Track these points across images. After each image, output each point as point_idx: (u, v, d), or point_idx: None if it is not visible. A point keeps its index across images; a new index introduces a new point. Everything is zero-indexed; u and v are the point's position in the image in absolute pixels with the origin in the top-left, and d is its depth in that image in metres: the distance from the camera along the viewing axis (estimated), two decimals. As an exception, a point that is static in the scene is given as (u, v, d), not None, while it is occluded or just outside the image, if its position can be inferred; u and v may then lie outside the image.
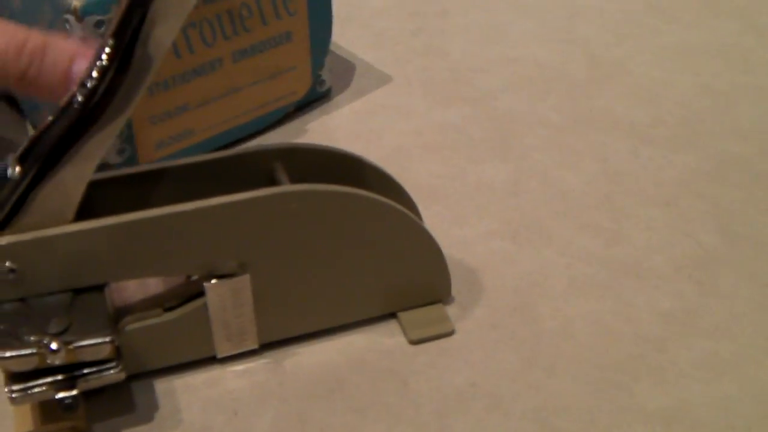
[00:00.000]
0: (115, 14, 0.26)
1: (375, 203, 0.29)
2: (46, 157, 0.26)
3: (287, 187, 0.28)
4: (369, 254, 0.30)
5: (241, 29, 0.37)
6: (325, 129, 0.41)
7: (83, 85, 0.26)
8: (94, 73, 0.26)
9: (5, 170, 0.27)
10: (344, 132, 0.41)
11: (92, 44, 0.29)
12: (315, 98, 0.43)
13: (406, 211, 0.30)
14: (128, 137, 0.36)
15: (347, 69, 0.44)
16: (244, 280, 0.28)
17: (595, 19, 0.48)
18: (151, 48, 0.25)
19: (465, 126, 0.41)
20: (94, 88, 0.26)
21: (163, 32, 0.25)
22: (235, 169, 0.30)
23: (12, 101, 0.42)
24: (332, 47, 0.41)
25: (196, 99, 0.37)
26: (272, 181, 0.30)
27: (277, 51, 0.39)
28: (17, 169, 0.26)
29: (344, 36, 0.46)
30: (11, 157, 0.27)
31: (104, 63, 0.26)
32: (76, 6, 0.33)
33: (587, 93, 0.43)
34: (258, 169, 0.31)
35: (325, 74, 0.42)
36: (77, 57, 0.29)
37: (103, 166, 0.29)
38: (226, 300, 0.28)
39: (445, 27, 0.48)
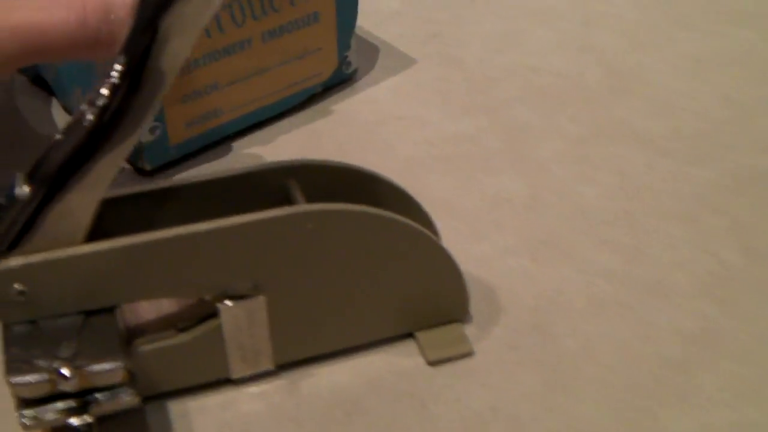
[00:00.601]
0: (127, 30, 0.25)
1: (392, 222, 0.28)
2: (55, 176, 0.26)
3: (303, 207, 0.27)
4: (386, 273, 0.29)
5: (270, 10, 0.38)
6: (336, 140, 0.40)
7: (93, 103, 0.25)
8: (105, 91, 0.25)
9: (13, 189, 0.26)
10: (357, 143, 0.40)
11: None
12: (341, 80, 0.43)
13: (424, 230, 0.29)
14: (159, 116, 0.37)
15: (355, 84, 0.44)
16: (259, 301, 0.28)
17: (611, 27, 0.48)
18: (163, 64, 0.25)
19: (480, 136, 0.40)
20: (105, 107, 0.25)
21: (176, 48, 0.25)
22: (248, 187, 0.30)
23: (41, 82, 0.41)
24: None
25: (225, 78, 0.38)
26: (286, 198, 0.30)
27: (304, 32, 0.40)
28: (26, 188, 0.26)
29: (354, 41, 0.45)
30: (19, 176, 0.26)
31: (115, 81, 0.25)
32: None
33: (604, 103, 0.43)
34: (271, 186, 0.30)
35: (352, 56, 0.43)
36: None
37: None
38: (241, 321, 0.28)
39: (459, 34, 0.47)
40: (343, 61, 0.42)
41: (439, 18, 0.48)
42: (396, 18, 0.48)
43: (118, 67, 0.25)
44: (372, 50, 0.46)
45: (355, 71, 0.44)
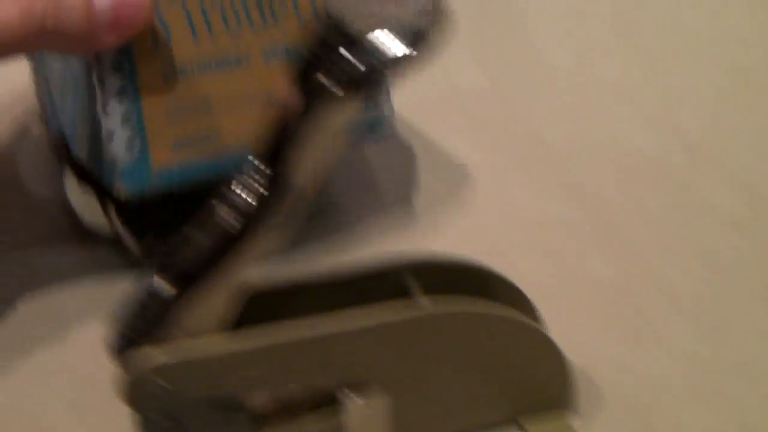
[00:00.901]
0: (265, 139, 0.26)
1: (514, 321, 0.29)
2: (193, 274, 0.27)
3: (441, 308, 0.29)
4: (496, 362, 0.30)
5: (270, 18, 0.34)
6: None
7: (231, 205, 0.26)
8: (244, 195, 0.26)
9: (153, 285, 0.28)
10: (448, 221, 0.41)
11: None
12: (379, 134, 0.37)
13: (537, 325, 0.30)
14: (138, 127, 0.32)
15: (440, 155, 0.45)
16: (382, 397, 0.29)
17: (691, 104, 0.49)
18: (300, 172, 0.26)
19: (568, 217, 0.41)
20: (244, 211, 0.26)
21: (314, 156, 0.26)
22: (365, 281, 0.31)
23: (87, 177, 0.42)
24: (422, 129, 0.41)
25: (220, 97, 0.33)
26: (403, 292, 0.31)
27: None
28: (165, 284, 0.27)
29: (435, 120, 0.46)
30: (159, 272, 0.27)
31: (255, 186, 0.26)
32: None
33: (687, 182, 0.43)
34: (389, 280, 0.31)
35: (387, 107, 0.36)
36: None
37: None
38: (364, 416, 0.29)
39: (540, 109, 0.48)
40: (375, 105, 0.36)
41: (521, 95, 0.49)
42: (480, 95, 0.49)
43: (257, 175, 0.26)
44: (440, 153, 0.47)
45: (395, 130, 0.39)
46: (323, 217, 0.40)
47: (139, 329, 0.27)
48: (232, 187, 0.27)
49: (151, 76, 0.32)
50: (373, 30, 0.24)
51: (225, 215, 0.27)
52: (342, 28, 0.25)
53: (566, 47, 0.52)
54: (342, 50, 0.24)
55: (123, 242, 0.37)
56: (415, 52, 0.24)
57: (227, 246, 0.27)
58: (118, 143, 0.32)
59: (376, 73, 0.23)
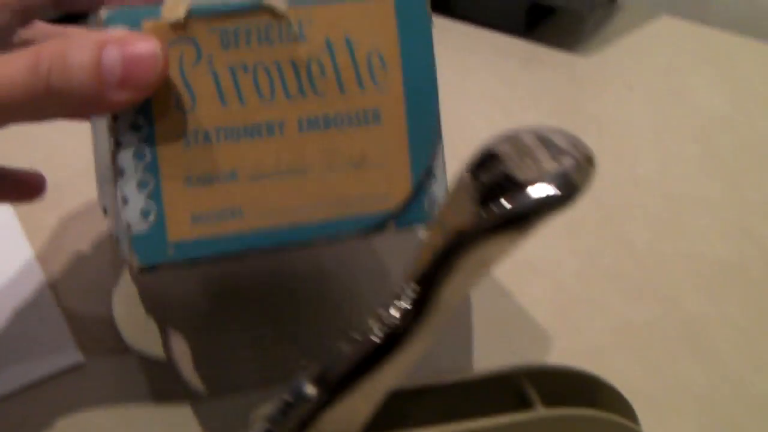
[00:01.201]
0: (418, 257, 0.29)
1: (620, 427, 0.32)
2: (339, 382, 0.30)
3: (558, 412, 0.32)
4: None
5: (309, 90, 0.31)
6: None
7: (382, 321, 0.30)
8: (395, 313, 0.30)
9: (302, 388, 0.31)
10: (545, 324, 0.44)
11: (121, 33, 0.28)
12: (427, 222, 0.34)
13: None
14: (154, 195, 0.30)
15: (538, 260, 0.48)
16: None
17: (768, 216, 0.52)
18: (450, 295, 0.29)
19: (657, 323, 0.45)
20: (393, 328, 0.30)
21: (465, 281, 0.29)
22: (485, 385, 0.34)
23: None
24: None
25: (248, 168, 0.31)
26: (520, 396, 0.34)
27: (360, 132, 0.32)
28: (312, 389, 0.31)
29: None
30: (305, 376, 0.31)
31: (405, 305, 0.30)
32: (102, 15, 0.30)
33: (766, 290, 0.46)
34: (507, 385, 0.34)
35: (439, 191, 0.34)
36: (106, 44, 0.28)
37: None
38: None
39: (629, 218, 0.51)
40: (422, 190, 0.33)
41: (612, 203, 0.53)
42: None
43: (409, 293, 0.30)
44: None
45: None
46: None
47: (283, 428, 0.31)
48: (385, 304, 0.30)
49: (171, 139, 0.30)
50: (532, 178, 0.27)
51: (374, 329, 0.30)
52: (505, 173, 0.28)
53: (652, 160, 0.56)
54: (503, 196, 0.27)
55: (178, 370, 0.39)
56: (567, 199, 0.27)
57: (373, 358, 0.30)
58: (133, 209, 0.30)
59: (532, 215, 0.27)
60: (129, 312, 0.42)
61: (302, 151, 0.32)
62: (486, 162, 0.29)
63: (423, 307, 0.29)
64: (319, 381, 0.31)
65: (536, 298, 0.46)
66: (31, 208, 0.48)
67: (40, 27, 0.38)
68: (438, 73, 0.34)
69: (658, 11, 0.72)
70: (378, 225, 0.33)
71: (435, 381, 0.34)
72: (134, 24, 0.30)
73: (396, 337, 0.30)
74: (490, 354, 0.42)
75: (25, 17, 0.35)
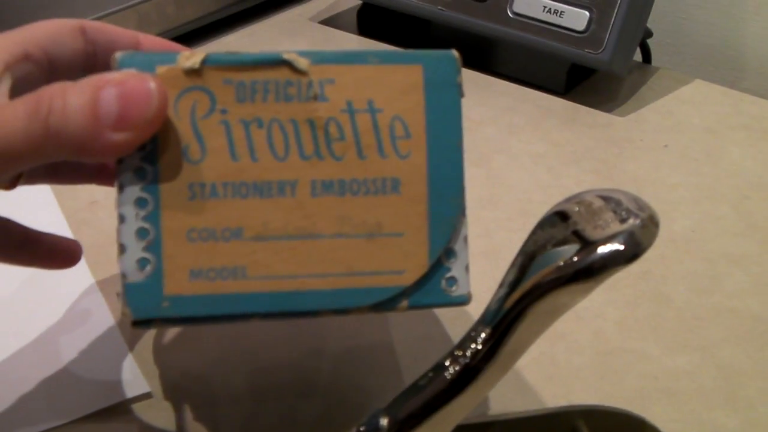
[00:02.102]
0: (494, 302, 0.32)
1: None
2: (412, 415, 0.33)
3: None
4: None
5: (326, 152, 0.30)
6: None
7: (456, 360, 0.33)
8: (468, 353, 0.33)
9: (377, 420, 0.34)
10: (590, 371, 0.47)
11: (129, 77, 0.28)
12: (446, 302, 0.32)
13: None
14: (154, 244, 0.29)
15: (581, 311, 0.51)
16: None
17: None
18: (518, 341, 0.32)
19: (695, 373, 0.47)
20: (466, 367, 0.33)
21: (535, 328, 0.32)
22: (541, 425, 0.37)
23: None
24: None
25: (254, 227, 0.29)
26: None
27: (376, 200, 0.31)
28: (386, 422, 0.33)
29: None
30: (381, 410, 0.34)
31: (479, 347, 0.33)
32: (117, 57, 0.29)
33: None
34: (560, 425, 0.37)
35: (458, 271, 0.32)
36: (105, 85, 0.28)
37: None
38: None
39: (666, 273, 0.54)
40: (439, 268, 0.32)
41: (645, 256, 0.56)
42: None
43: (483, 335, 0.33)
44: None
45: (466, 299, 0.33)
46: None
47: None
48: (461, 344, 0.33)
49: (176, 190, 0.29)
50: (601, 236, 0.30)
51: (448, 368, 0.33)
52: (576, 231, 0.31)
53: (688, 218, 0.59)
54: (575, 255, 0.30)
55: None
56: (633, 256, 0.30)
57: (446, 394, 0.33)
58: (129, 259, 0.29)
59: (601, 270, 0.30)
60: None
61: (314, 215, 0.30)
62: (557, 220, 0.32)
63: (494, 350, 0.32)
64: (393, 414, 0.33)
65: (580, 345, 0.49)
66: (94, 241, 0.51)
67: None
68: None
69: (691, 75, 0.75)
70: (390, 301, 0.31)
71: (494, 417, 0.37)
72: (148, 68, 0.29)
73: (467, 375, 0.33)
74: (535, 395, 0.45)
75: (51, 73, 0.34)
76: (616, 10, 0.66)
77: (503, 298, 0.32)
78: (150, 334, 0.48)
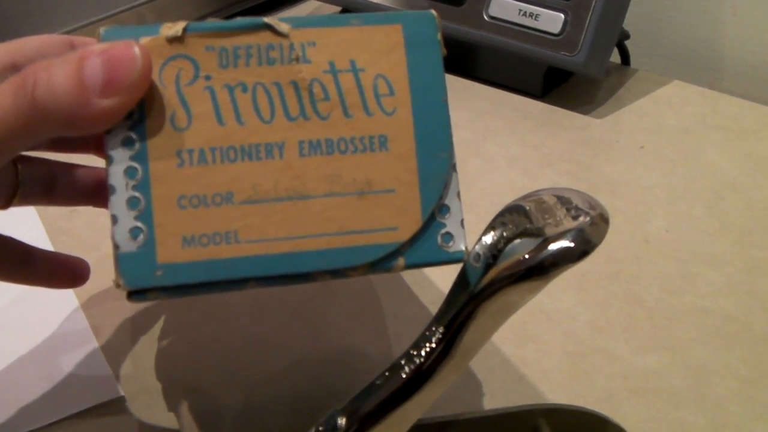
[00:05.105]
0: (446, 302, 0.32)
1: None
2: (369, 414, 0.33)
3: None
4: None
5: (311, 112, 0.30)
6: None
7: (410, 359, 0.33)
8: (423, 353, 0.33)
9: (334, 419, 0.34)
10: (559, 372, 0.47)
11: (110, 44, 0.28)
12: (444, 260, 0.32)
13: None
14: (146, 213, 0.29)
15: (552, 311, 0.51)
16: None
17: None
18: (472, 339, 0.32)
19: (664, 373, 0.47)
20: (420, 367, 0.33)
21: (486, 327, 0.32)
22: (502, 424, 0.37)
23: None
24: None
25: (244, 191, 0.30)
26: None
27: (365, 158, 0.31)
28: (343, 420, 0.33)
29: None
30: (338, 409, 0.34)
31: (432, 346, 0.33)
32: (101, 31, 0.29)
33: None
34: (521, 424, 0.37)
35: (452, 225, 0.32)
36: (89, 55, 0.28)
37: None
38: None
39: (639, 273, 0.54)
40: (434, 225, 0.31)
41: (618, 256, 0.56)
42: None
43: (437, 335, 0.33)
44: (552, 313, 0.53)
45: (463, 255, 0.32)
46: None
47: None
48: (415, 344, 0.33)
49: (165, 158, 0.29)
50: (551, 234, 0.30)
51: (403, 367, 0.33)
52: (527, 228, 0.31)
53: (662, 218, 0.59)
54: (526, 253, 0.30)
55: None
56: (582, 253, 0.30)
57: (401, 393, 0.33)
58: (121, 229, 0.29)
59: (551, 267, 0.30)
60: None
61: (303, 175, 0.30)
62: (510, 218, 0.32)
63: (448, 349, 0.32)
64: (350, 413, 0.33)
65: (550, 346, 0.49)
66: (72, 249, 0.51)
67: None
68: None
69: (669, 76, 0.75)
70: (386, 259, 0.31)
71: (455, 416, 0.37)
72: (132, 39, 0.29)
73: (422, 375, 0.33)
74: (505, 395, 0.45)
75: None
76: (590, 13, 0.66)
77: (456, 297, 0.32)
78: (123, 338, 0.48)
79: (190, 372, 0.46)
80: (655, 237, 0.58)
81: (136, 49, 0.29)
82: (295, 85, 0.30)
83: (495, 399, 0.45)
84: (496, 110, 0.70)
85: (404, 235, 0.31)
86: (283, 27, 0.30)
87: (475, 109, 0.70)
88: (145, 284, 0.29)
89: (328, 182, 0.30)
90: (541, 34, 0.68)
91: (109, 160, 0.29)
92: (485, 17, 0.70)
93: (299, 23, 0.31)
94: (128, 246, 0.29)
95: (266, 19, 0.30)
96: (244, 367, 0.47)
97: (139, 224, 0.29)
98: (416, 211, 0.31)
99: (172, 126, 0.29)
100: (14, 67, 0.34)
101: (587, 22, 0.66)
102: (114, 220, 0.29)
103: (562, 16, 0.67)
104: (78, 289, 0.50)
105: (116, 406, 0.44)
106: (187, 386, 0.45)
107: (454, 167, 0.32)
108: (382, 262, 0.31)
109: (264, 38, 0.30)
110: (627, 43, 0.78)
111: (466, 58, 0.74)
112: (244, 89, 0.29)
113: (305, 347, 0.48)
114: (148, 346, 0.47)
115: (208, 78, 0.30)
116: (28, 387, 0.43)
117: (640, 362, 0.48)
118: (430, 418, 0.37)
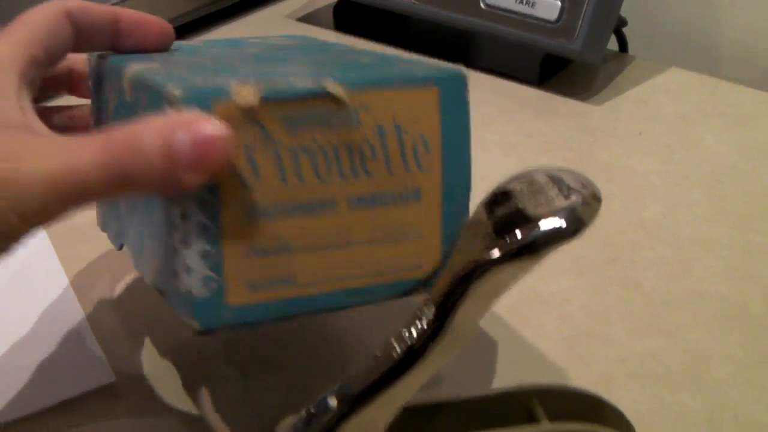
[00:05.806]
0: (438, 286, 0.32)
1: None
2: (359, 395, 0.33)
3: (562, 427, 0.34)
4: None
5: (361, 170, 0.34)
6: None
7: (402, 339, 0.33)
8: (414, 332, 0.33)
9: (326, 401, 0.34)
10: (555, 357, 0.47)
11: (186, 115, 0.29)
12: None
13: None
14: (216, 265, 0.32)
15: (546, 294, 0.51)
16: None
17: (769, 258, 0.55)
18: (463, 319, 0.32)
19: (662, 356, 0.47)
20: (411, 346, 0.33)
21: (478, 307, 0.32)
22: (496, 403, 0.37)
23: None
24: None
25: (301, 241, 0.33)
26: (530, 416, 0.37)
27: (402, 209, 0.35)
28: (334, 401, 0.33)
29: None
30: (331, 390, 0.34)
31: (423, 326, 0.33)
32: (176, 95, 0.31)
33: (765, 327, 0.49)
34: (516, 403, 0.37)
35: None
36: (176, 128, 0.29)
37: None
38: None
39: (636, 258, 0.54)
40: (449, 258, 0.36)
41: (615, 242, 0.56)
42: (585, 240, 0.56)
43: (429, 315, 0.32)
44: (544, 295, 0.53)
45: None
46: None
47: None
48: (406, 324, 0.33)
49: (235, 216, 0.32)
50: (542, 213, 0.30)
51: (394, 347, 0.33)
52: (518, 208, 0.31)
53: (659, 204, 0.59)
54: (517, 228, 0.30)
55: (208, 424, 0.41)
56: (574, 232, 0.30)
57: (392, 373, 0.33)
58: (195, 279, 0.32)
59: (542, 246, 0.30)
60: (158, 367, 0.45)
61: (350, 226, 0.34)
62: (501, 198, 0.32)
63: (439, 329, 0.32)
64: (341, 394, 0.33)
65: (545, 330, 0.49)
66: (67, 238, 0.51)
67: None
68: None
69: (667, 63, 0.75)
70: (409, 291, 0.36)
71: (449, 398, 0.37)
72: (204, 105, 0.31)
73: (413, 355, 0.33)
74: (500, 379, 0.45)
75: (47, 67, 0.36)
76: (587, 0, 0.66)
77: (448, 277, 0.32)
78: (117, 325, 0.48)
79: (183, 356, 0.46)
80: (652, 223, 0.57)
81: (227, 134, 0.30)
82: (349, 147, 0.33)
83: (490, 382, 0.45)
84: (493, 98, 0.70)
85: (427, 271, 0.36)
86: (342, 94, 0.33)
87: (472, 98, 0.69)
88: (216, 324, 0.32)
89: (371, 230, 0.34)
90: (538, 22, 0.68)
91: (184, 218, 0.31)
92: (482, 5, 0.70)
93: (353, 84, 0.33)
94: (201, 292, 0.32)
95: (328, 87, 0.33)
96: (238, 350, 0.46)
97: (211, 273, 0.32)
98: (437, 252, 0.36)
99: (241, 186, 0.32)
100: (34, 60, 0.34)
101: (584, 8, 0.66)
102: (188, 270, 0.32)
103: (559, 3, 0.67)
104: (71, 275, 0.51)
105: (109, 390, 0.44)
106: (181, 370, 0.45)
107: (468, 211, 0.36)
108: (407, 293, 0.36)
109: (325, 105, 0.33)
110: (625, 29, 0.77)
111: (462, 47, 0.74)
112: (305, 151, 0.32)
113: (301, 331, 0.47)
114: (141, 331, 0.47)
115: (275, 143, 0.32)
116: (21, 372, 0.43)
117: (637, 346, 0.48)
118: (423, 400, 0.37)
